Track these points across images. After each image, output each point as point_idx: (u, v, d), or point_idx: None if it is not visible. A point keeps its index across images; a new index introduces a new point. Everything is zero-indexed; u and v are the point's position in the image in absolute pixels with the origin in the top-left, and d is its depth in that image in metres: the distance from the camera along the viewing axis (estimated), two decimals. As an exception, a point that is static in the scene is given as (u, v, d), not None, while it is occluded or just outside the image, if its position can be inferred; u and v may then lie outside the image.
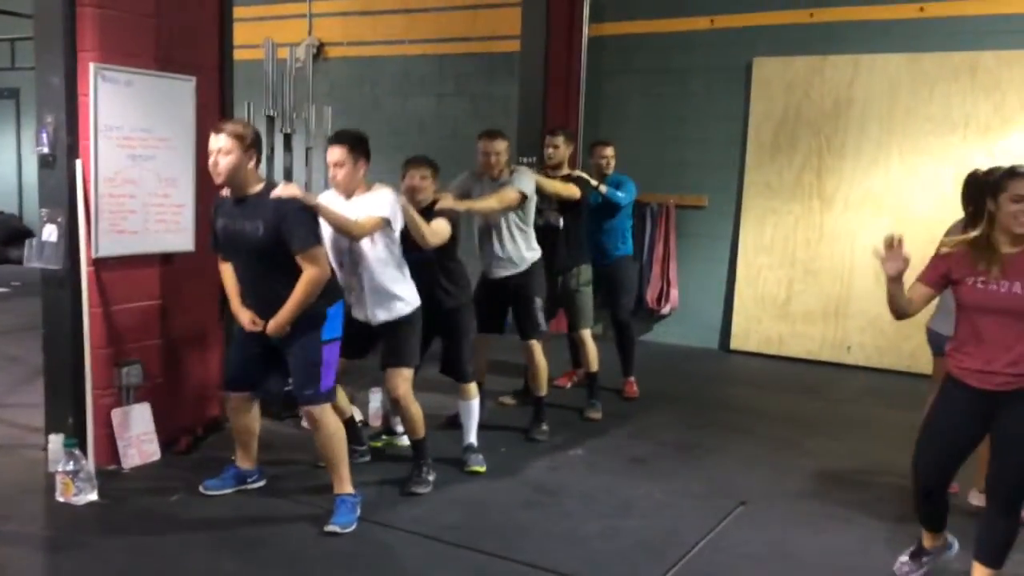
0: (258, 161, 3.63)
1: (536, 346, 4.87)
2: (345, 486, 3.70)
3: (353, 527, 3.61)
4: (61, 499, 3.74)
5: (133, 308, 4.25)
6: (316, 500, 3.86)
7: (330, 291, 3.66)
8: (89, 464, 3.87)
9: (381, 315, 4.00)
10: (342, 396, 4.26)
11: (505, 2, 7.91)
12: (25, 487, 3.93)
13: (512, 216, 4.73)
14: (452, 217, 4.25)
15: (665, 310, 7.55)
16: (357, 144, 3.88)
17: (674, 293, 7.51)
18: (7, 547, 3.38)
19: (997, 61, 6.32)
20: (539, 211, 5.04)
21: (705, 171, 7.41)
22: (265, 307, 3.58)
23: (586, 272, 5.39)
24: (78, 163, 3.94)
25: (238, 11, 4.80)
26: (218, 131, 3.50)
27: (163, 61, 4.23)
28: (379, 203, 3.86)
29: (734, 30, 7.22)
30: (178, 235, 4.39)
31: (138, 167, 4.15)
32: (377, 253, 3.93)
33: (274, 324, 3.53)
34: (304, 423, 4.83)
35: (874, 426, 5.45)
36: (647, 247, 7.53)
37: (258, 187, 3.57)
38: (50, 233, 3.97)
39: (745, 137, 7.24)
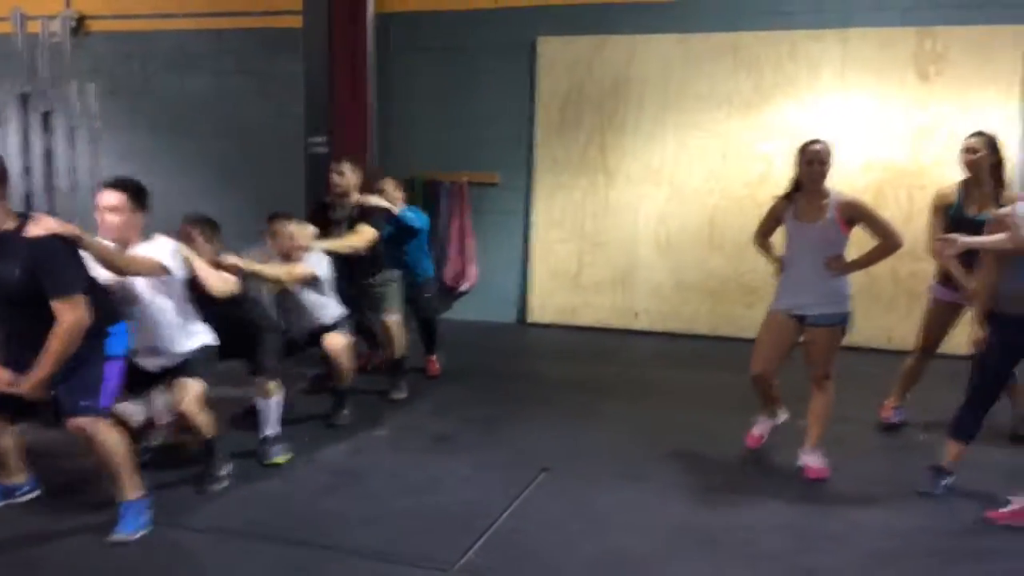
0: (4, 194, 3.23)
1: (341, 342, 4.75)
2: (129, 492, 3.43)
3: (142, 533, 3.38)
4: None
5: None
6: (101, 508, 3.54)
7: (109, 313, 3.42)
8: None
9: (161, 364, 3.81)
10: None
11: (285, -25, 7.60)
12: None
13: (307, 292, 4.68)
14: (238, 273, 4.12)
15: (464, 287, 7.61)
16: (138, 192, 3.66)
17: (472, 270, 7.59)
18: None
19: (755, 40, 6.84)
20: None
21: (496, 148, 7.52)
22: (27, 354, 3.23)
23: (387, 273, 5.36)
24: None
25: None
26: None
27: None
28: (158, 249, 3.65)
29: (518, 9, 7.34)
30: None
31: None
32: (158, 307, 3.72)
33: (30, 384, 3.21)
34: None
35: (662, 387, 5.79)
36: (442, 225, 7.55)
37: (9, 224, 3.19)
38: None
39: (533, 114, 7.41)
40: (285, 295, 4.72)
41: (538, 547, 3.41)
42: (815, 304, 4.07)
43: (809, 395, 4.22)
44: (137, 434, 4.03)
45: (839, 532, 3.60)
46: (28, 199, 4.70)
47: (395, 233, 5.41)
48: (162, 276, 3.64)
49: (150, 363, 3.83)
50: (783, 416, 4.52)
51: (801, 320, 4.12)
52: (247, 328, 4.23)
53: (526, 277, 7.55)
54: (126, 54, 8.23)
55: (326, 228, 5.04)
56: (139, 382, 3.85)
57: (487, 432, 4.77)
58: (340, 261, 4.94)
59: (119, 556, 3.26)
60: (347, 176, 5.15)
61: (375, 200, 5.23)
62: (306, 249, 4.66)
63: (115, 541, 3.31)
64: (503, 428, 4.84)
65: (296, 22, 7.41)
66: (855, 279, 4.17)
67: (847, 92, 6.71)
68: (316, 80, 7.26)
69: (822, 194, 4.06)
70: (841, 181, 6.52)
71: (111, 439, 3.37)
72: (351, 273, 5.08)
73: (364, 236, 5.03)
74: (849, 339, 4.22)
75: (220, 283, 3.92)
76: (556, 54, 7.30)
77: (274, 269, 4.47)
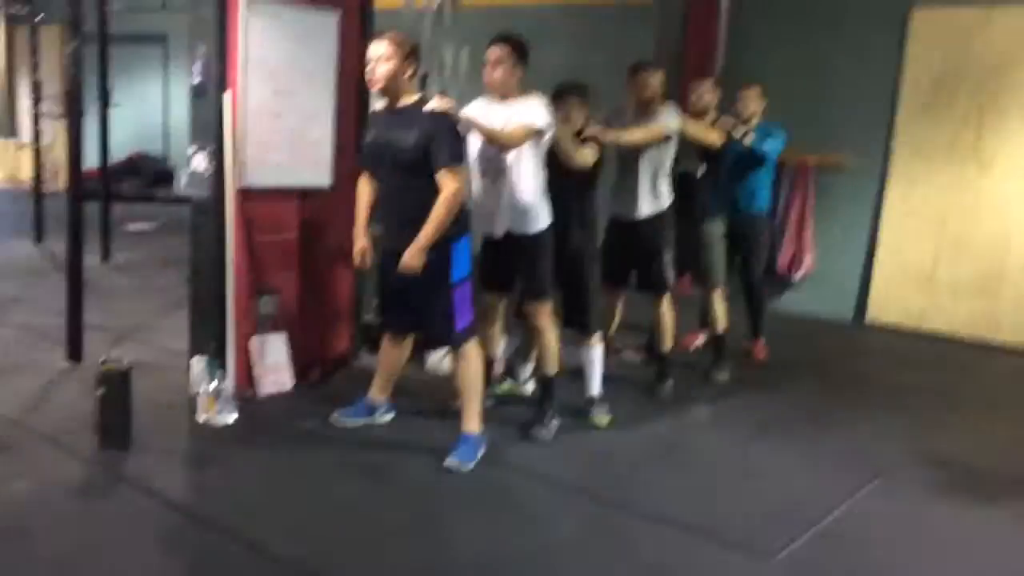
0: (415, 73, 3.61)
1: (663, 301, 4.74)
2: (473, 424, 3.71)
3: (472, 466, 3.61)
4: (203, 418, 3.89)
5: (274, 240, 4.35)
6: (443, 437, 3.80)
7: (460, 219, 3.63)
8: (230, 386, 4.02)
9: (512, 228, 3.94)
10: (488, 339, 4.22)
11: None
12: (169, 405, 4.07)
13: (651, 154, 4.57)
14: (598, 145, 4.17)
15: (798, 276, 7.23)
16: (519, 46, 3.88)
17: (808, 259, 7.17)
18: (153, 460, 3.54)
19: None
20: (678, 159, 4.89)
21: (850, 129, 6.99)
22: (403, 223, 3.54)
23: (719, 227, 5.19)
24: (227, 94, 4.02)
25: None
26: (379, 38, 3.53)
27: (310, -6, 4.25)
28: (532, 110, 3.79)
29: (891, -23, 6.75)
30: (317, 170, 4.45)
31: (282, 101, 4.21)
32: (521, 165, 3.87)
33: (411, 252, 3.46)
34: (431, 367, 4.85)
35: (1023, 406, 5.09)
36: (782, 208, 7.20)
37: (413, 98, 3.58)
38: (200, 162, 4.10)
39: (897, 94, 6.79)
40: (624, 176, 4.65)
41: (866, 556, 3.14)
42: None
43: None
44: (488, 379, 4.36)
45: None
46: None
47: (742, 158, 5.26)
48: (537, 140, 3.79)
49: (499, 228, 3.93)
50: None
51: None
52: (573, 247, 4.21)
53: (870, 271, 6.98)
54: (494, 28, 8.80)
55: None
56: (497, 274, 4.05)
57: (815, 427, 4.49)
58: (677, 195, 4.82)
59: (451, 481, 3.51)
60: (705, 97, 5.08)
61: (725, 121, 5.13)
62: (663, 100, 4.58)
63: (447, 466, 3.57)
64: (834, 425, 4.53)
65: (651, -2, 7.47)
66: None
67: None
68: (667, 54, 7.25)
69: None
70: None
71: (475, 368, 3.70)
72: (681, 211, 4.87)
73: (719, 135, 4.93)
74: None
75: (581, 156, 4.03)
76: (932, 27, 6.60)
77: (631, 133, 4.44)
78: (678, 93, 6.91)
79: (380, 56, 3.49)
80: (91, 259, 6.21)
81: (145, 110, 12.79)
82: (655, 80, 4.54)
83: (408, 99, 3.57)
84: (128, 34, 12.01)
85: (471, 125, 3.60)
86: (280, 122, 4.23)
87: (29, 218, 8.26)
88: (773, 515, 3.41)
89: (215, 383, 3.89)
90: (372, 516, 3.23)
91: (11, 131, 13.23)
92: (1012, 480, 3.91)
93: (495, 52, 3.83)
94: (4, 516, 3.04)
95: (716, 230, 5.19)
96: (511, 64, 3.81)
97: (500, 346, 4.80)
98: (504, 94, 3.85)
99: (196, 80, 4.08)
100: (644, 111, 4.57)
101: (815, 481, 3.77)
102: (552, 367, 4.08)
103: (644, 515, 3.34)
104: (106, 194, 7.70)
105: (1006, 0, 6.30)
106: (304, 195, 4.45)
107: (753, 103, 5.42)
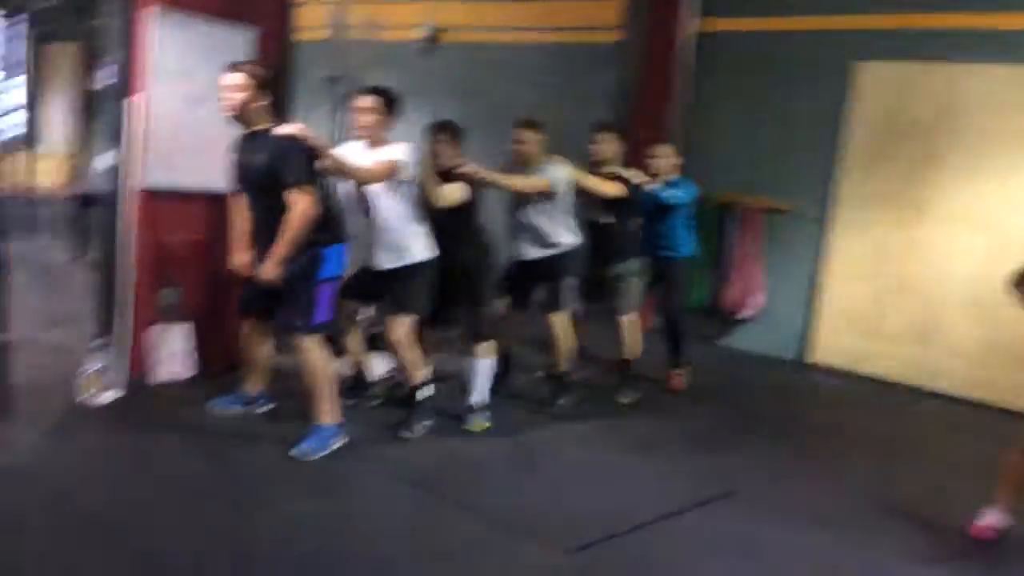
0: (272, 103, 3.82)
1: (557, 320, 4.84)
2: (324, 417, 3.83)
3: (318, 455, 3.73)
4: (85, 395, 4.09)
5: (179, 238, 4.58)
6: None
7: (331, 229, 3.81)
8: (119, 369, 4.23)
9: (388, 262, 4.13)
10: (354, 342, 4.42)
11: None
12: (64, 382, 4.18)
13: (544, 205, 4.72)
14: (469, 182, 4.32)
15: (748, 313, 7.26)
16: (390, 98, 4.09)
17: (754, 298, 7.21)
18: (16, 429, 3.77)
19: None
20: (588, 208, 5.07)
21: (797, 176, 7.06)
22: (264, 238, 3.75)
23: (633, 264, 5.26)
24: (136, 99, 4.29)
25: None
26: (233, 69, 3.74)
27: (225, 10, 4.53)
28: (393, 151, 4.01)
29: (839, 32, 6.86)
30: (222, 175, 4.68)
31: (191, 109, 4.47)
32: (390, 203, 4.07)
33: (266, 267, 3.68)
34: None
35: (934, 453, 5.02)
36: (728, 248, 7.29)
37: (266, 124, 3.78)
38: (105, 161, 4.37)
39: (841, 143, 6.87)
40: (516, 219, 4.78)
41: (653, 557, 3.21)
42: None
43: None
44: (361, 382, 4.53)
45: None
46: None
47: (656, 207, 5.38)
48: (395, 177, 3.97)
49: (380, 260, 4.16)
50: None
51: None
52: (465, 261, 4.37)
53: (813, 314, 7.00)
54: (470, 62, 9.14)
55: None
56: (370, 289, 4.27)
57: (697, 450, 4.52)
58: (589, 240, 5.01)
59: (294, 468, 3.65)
60: (603, 146, 5.16)
61: (625, 172, 5.17)
62: (543, 161, 4.67)
63: (292, 455, 3.71)
64: (718, 451, 4.54)
65: (613, 37, 7.70)
66: None
67: None
68: (626, 94, 7.46)
69: None
70: None
71: (317, 360, 3.80)
72: (595, 254, 5.06)
73: (615, 187, 5.00)
74: None
75: (438, 195, 4.18)
76: (875, 80, 6.67)
77: (510, 178, 4.55)
78: (631, 134, 7.14)
79: (233, 85, 3.70)
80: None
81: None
82: (528, 136, 4.65)
83: (262, 125, 3.77)
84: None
85: (322, 154, 3.76)
86: (189, 128, 4.48)
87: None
88: (599, 516, 3.48)
89: (101, 363, 4.11)
90: (204, 493, 3.38)
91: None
92: (861, 512, 3.87)
93: (364, 101, 4.05)
94: None
95: (629, 267, 5.27)
96: (379, 114, 4.03)
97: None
98: (373, 141, 4.06)
99: (103, 84, 4.37)
100: (526, 164, 4.69)
101: (659, 494, 3.82)
102: (415, 378, 4.21)
103: (466, 507, 3.44)
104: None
105: (941, 57, 6.38)
106: (213, 198, 4.68)
107: (663, 160, 5.54)
